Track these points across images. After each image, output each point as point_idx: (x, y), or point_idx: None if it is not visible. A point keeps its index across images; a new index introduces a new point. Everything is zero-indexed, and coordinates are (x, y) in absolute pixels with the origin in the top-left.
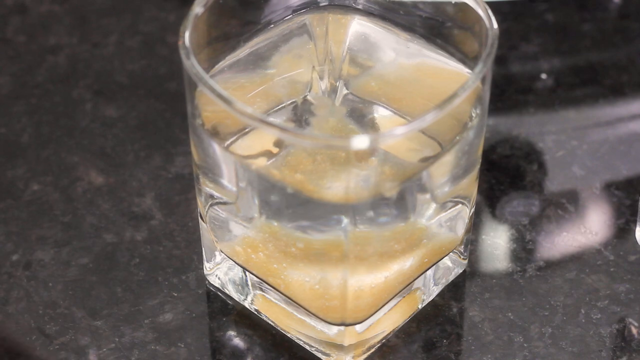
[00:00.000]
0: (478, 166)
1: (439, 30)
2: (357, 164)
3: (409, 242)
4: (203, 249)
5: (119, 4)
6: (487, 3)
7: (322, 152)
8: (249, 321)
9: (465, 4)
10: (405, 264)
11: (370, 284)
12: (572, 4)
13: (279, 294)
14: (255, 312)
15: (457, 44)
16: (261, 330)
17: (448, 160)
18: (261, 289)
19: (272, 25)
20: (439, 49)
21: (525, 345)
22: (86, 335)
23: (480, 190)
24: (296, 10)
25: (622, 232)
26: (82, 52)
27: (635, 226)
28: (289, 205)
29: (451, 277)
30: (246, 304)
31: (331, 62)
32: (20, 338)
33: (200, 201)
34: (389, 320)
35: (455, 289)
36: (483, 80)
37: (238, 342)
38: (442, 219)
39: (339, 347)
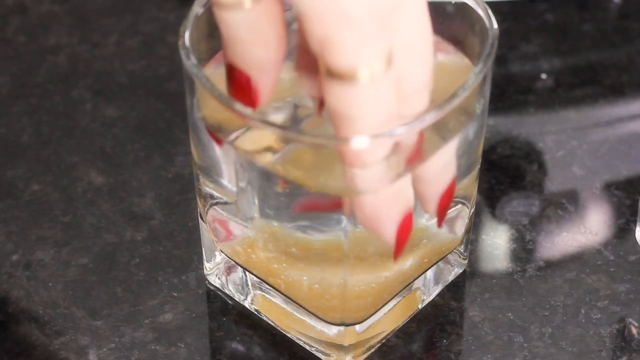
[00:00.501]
0: (478, 166)
1: (438, 30)
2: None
3: (409, 242)
4: (203, 249)
5: (119, 4)
6: (487, 3)
7: (324, 149)
8: (249, 321)
9: (465, 4)
10: (405, 264)
11: (370, 284)
12: (572, 4)
13: (279, 294)
14: (255, 312)
15: (457, 44)
16: (261, 330)
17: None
18: (261, 289)
19: None
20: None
21: (525, 345)
22: (86, 335)
23: (480, 190)
24: None
25: (622, 232)
26: (82, 52)
27: (635, 226)
28: (289, 205)
29: (451, 277)
30: (246, 304)
31: None
32: (20, 338)
33: (200, 201)
34: (389, 320)
35: (455, 289)
36: (483, 80)
37: (238, 342)
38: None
39: (339, 347)
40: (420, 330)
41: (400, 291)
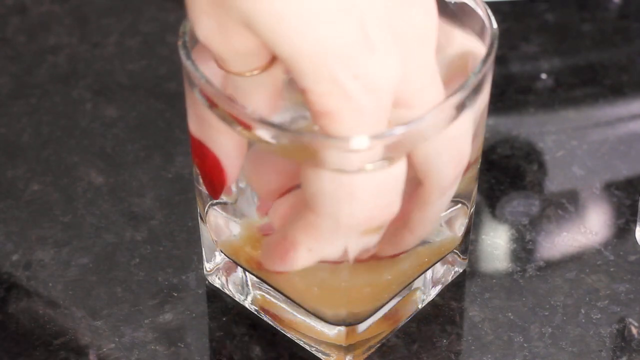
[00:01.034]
0: (478, 166)
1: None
2: None
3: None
4: (203, 249)
5: (119, 4)
6: (487, 3)
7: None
8: (249, 321)
9: (465, 4)
10: (405, 264)
11: (370, 284)
12: (572, 4)
13: (279, 294)
14: (255, 312)
15: None
16: (261, 330)
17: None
18: (261, 289)
19: None
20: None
21: (525, 345)
22: (86, 335)
23: (480, 190)
24: None
25: (622, 232)
26: (82, 52)
27: (635, 226)
28: None
29: (451, 277)
30: (246, 304)
31: None
32: (20, 338)
33: (200, 201)
34: (389, 320)
35: (455, 289)
36: (483, 80)
37: (238, 342)
38: (442, 218)
39: (339, 347)
40: (420, 330)
41: (400, 291)
